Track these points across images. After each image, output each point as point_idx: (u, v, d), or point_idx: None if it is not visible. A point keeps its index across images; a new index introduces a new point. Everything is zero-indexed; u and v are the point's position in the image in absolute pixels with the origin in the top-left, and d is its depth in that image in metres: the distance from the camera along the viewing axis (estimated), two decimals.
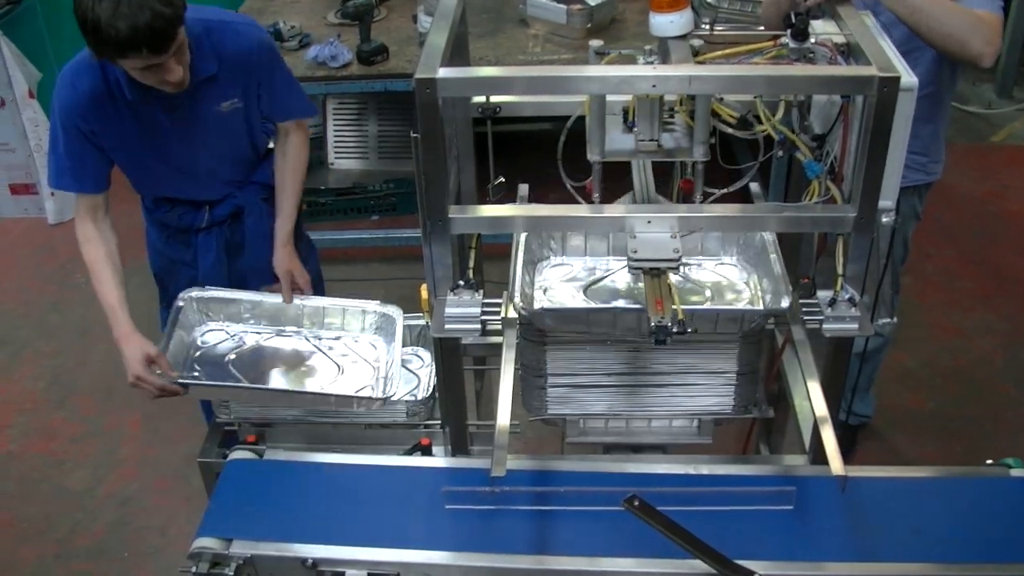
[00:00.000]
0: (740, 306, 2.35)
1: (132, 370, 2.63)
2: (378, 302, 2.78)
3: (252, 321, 2.83)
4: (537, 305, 2.26)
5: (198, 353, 2.76)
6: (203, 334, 2.80)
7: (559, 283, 2.41)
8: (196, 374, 2.69)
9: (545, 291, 2.38)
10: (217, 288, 2.85)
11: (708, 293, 2.38)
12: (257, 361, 2.74)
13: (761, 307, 2.30)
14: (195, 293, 2.80)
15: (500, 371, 2.13)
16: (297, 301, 2.82)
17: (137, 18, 2.30)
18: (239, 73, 2.67)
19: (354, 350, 2.77)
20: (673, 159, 2.29)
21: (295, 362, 2.74)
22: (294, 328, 2.82)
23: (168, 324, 2.75)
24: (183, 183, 2.83)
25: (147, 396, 2.66)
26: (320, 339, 2.80)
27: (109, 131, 2.61)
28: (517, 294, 2.19)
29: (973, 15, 2.69)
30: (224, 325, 2.82)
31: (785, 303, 2.17)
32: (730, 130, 2.17)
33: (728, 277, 2.44)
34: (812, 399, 2.10)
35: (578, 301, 2.35)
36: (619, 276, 2.41)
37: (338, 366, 2.73)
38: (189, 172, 2.82)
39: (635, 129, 2.21)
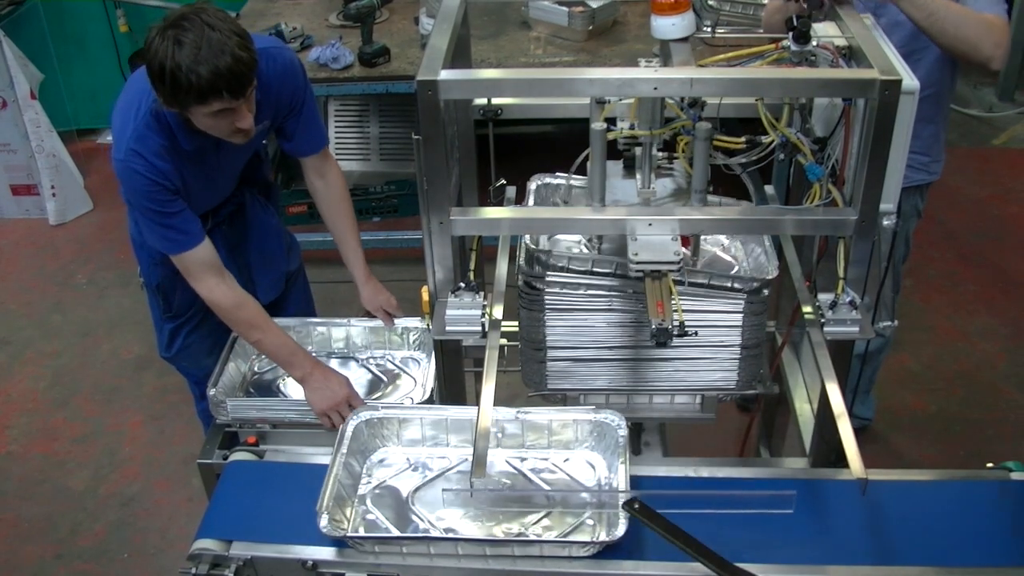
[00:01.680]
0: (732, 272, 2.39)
1: (342, 394, 2.60)
2: (419, 319, 2.81)
3: (305, 347, 2.88)
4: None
5: (254, 377, 2.81)
6: (258, 362, 2.85)
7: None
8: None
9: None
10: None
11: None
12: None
13: (747, 272, 2.36)
14: None
15: (483, 372, 2.13)
16: (344, 324, 2.89)
17: (218, 62, 2.28)
18: (273, 97, 2.67)
19: (398, 365, 2.84)
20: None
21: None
22: (342, 350, 2.89)
23: (224, 351, 2.77)
24: (208, 200, 2.84)
25: (333, 428, 2.58)
26: (367, 358, 2.87)
27: (179, 173, 2.59)
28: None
29: (984, 19, 2.70)
30: None
31: (773, 273, 2.25)
32: (743, 159, 2.18)
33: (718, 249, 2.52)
34: (831, 399, 2.09)
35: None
36: None
37: (383, 381, 2.79)
38: (217, 189, 2.85)
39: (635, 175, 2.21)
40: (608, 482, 2.18)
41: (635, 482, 2.14)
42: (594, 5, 4.51)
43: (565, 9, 4.51)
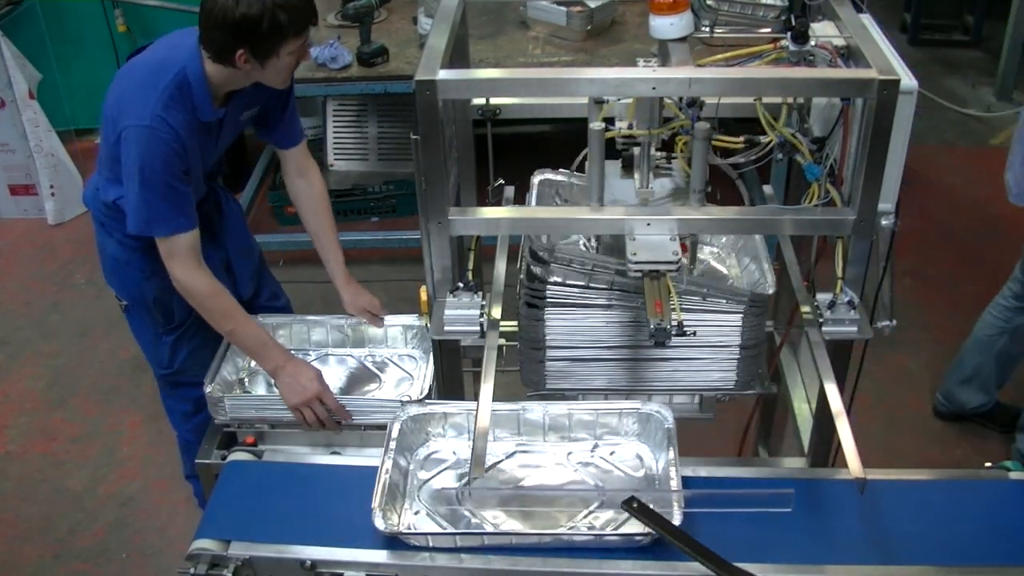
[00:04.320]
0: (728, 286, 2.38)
1: (312, 389, 2.57)
2: (416, 316, 2.80)
3: (300, 344, 2.88)
4: None
5: (245, 375, 2.80)
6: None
7: None
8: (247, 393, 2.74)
9: None
10: (266, 315, 2.91)
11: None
12: None
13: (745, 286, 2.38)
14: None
15: (482, 372, 2.13)
16: (341, 322, 2.87)
17: None
18: (261, 84, 2.69)
19: (395, 362, 2.82)
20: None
21: (340, 377, 2.79)
22: (339, 347, 2.88)
23: (220, 350, 2.76)
24: (199, 186, 2.82)
25: (305, 423, 2.59)
26: (364, 355, 2.86)
27: (190, 156, 2.60)
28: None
29: None
30: None
31: (770, 289, 2.29)
32: (742, 159, 2.18)
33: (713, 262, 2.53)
34: (829, 398, 2.09)
35: None
36: None
37: (380, 378, 2.77)
38: (205, 173, 2.84)
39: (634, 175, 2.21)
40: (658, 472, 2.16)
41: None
42: (592, 5, 4.51)
43: (563, 9, 4.50)
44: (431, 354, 2.55)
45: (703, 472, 2.19)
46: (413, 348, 2.83)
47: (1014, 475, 2.16)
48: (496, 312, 2.27)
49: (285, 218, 5.19)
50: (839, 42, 2.16)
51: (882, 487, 2.13)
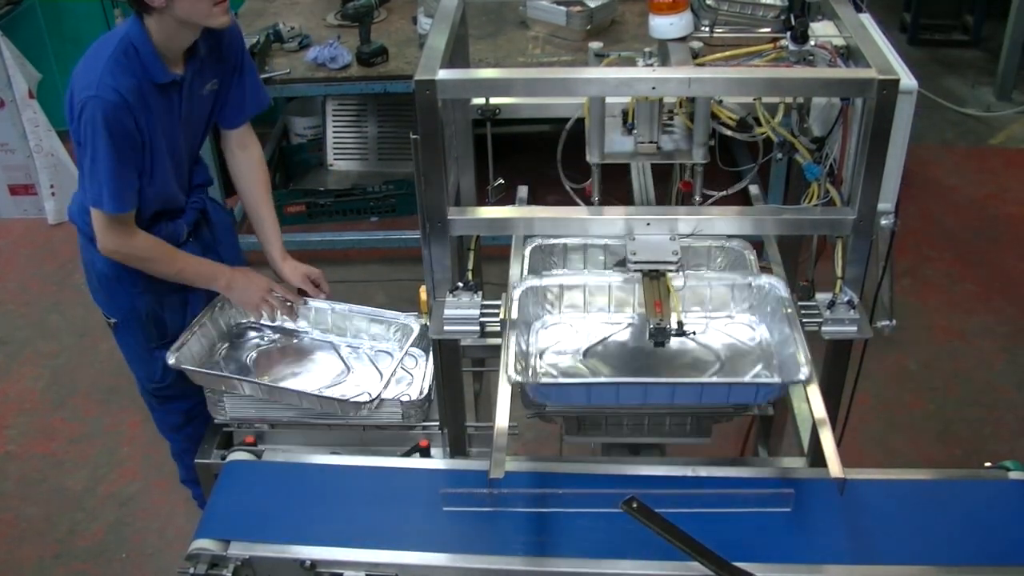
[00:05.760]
0: (750, 379, 2.20)
1: (264, 283, 2.85)
2: (406, 314, 2.81)
3: (288, 323, 2.93)
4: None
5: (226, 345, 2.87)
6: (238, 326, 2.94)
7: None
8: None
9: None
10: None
11: (720, 359, 2.26)
12: (272, 356, 2.85)
13: (778, 379, 2.15)
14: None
15: (499, 373, 2.13)
16: (336, 306, 2.90)
17: None
18: (218, 51, 2.71)
19: (367, 355, 2.82)
20: (672, 161, 2.29)
21: (307, 361, 2.82)
22: (321, 332, 2.91)
23: (204, 309, 2.83)
24: (175, 178, 2.80)
25: (272, 313, 2.86)
26: (342, 344, 2.87)
27: (147, 123, 2.57)
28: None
29: None
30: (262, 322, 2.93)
31: (804, 374, 2.03)
32: (729, 132, 2.17)
33: (738, 337, 2.31)
34: (811, 401, 2.09)
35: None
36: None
37: (347, 367, 2.77)
38: (180, 162, 2.81)
39: (634, 131, 2.21)
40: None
41: (634, 481, 2.14)
42: (592, 4, 4.51)
43: (563, 8, 4.50)
44: (431, 353, 2.55)
45: (703, 472, 2.19)
46: (414, 347, 2.83)
47: (1014, 475, 2.17)
48: (515, 313, 2.26)
49: (282, 219, 5.18)
50: (839, 42, 2.16)
51: (881, 487, 2.14)
